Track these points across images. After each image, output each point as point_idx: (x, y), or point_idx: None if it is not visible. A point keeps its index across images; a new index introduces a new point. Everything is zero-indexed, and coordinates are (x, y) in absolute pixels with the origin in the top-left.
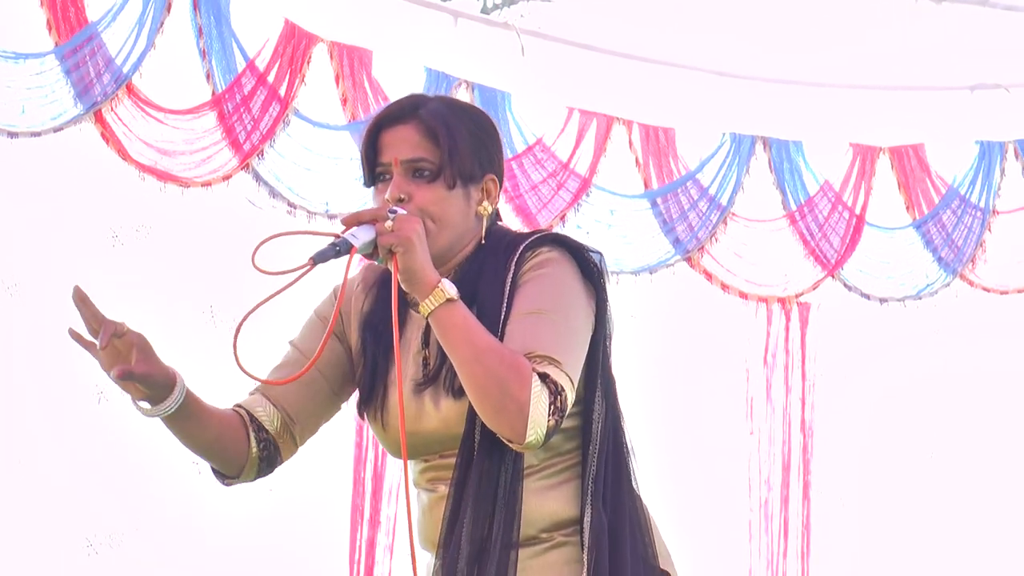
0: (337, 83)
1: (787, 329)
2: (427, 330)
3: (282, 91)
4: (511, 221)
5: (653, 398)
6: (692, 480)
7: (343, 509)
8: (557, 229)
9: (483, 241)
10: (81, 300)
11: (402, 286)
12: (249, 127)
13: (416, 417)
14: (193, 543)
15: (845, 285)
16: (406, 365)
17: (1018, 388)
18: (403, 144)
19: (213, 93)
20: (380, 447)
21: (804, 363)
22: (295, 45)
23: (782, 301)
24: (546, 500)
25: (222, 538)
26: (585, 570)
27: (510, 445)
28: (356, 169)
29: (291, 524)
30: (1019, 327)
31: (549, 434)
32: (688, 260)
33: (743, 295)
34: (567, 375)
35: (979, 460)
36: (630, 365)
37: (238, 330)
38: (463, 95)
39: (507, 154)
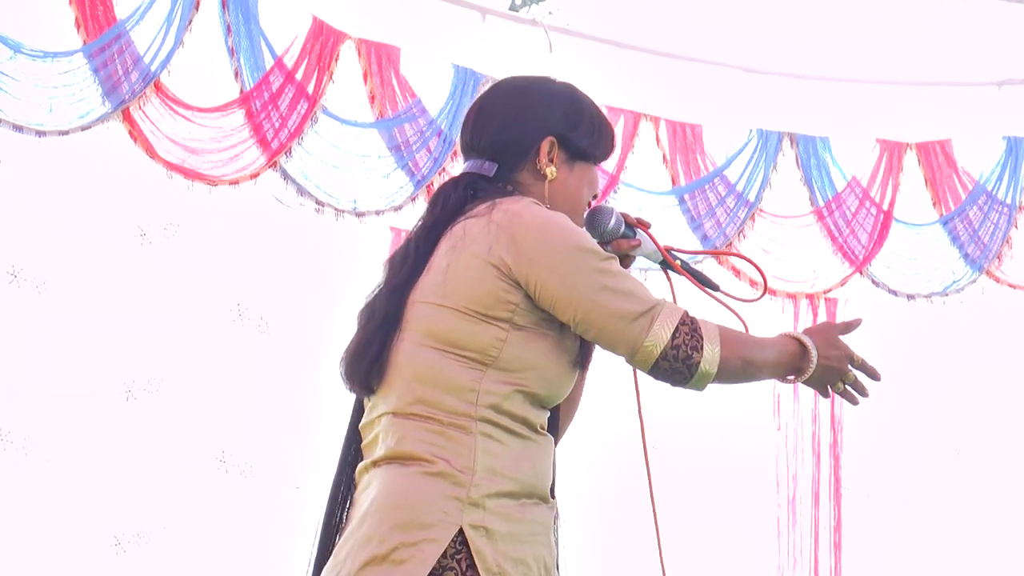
0: (365, 80)
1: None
2: None
3: (310, 89)
4: None
5: (680, 395)
6: (720, 476)
7: None
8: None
9: None
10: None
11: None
12: (277, 125)
13: None
14: (221, 541)
15: (873, 281)
16: None
17: None
18: None
19: (241, 91)
20: None
21: None
22: (323, 42)
23: (810, 297)
24: None
25: (250, 535)
26: None
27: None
28: (383, 166)
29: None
30: None
31: None
32: (716, 257)
33: (771, 291)
34: None
35: (1006, 456)
36: None
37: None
38: None
39: None
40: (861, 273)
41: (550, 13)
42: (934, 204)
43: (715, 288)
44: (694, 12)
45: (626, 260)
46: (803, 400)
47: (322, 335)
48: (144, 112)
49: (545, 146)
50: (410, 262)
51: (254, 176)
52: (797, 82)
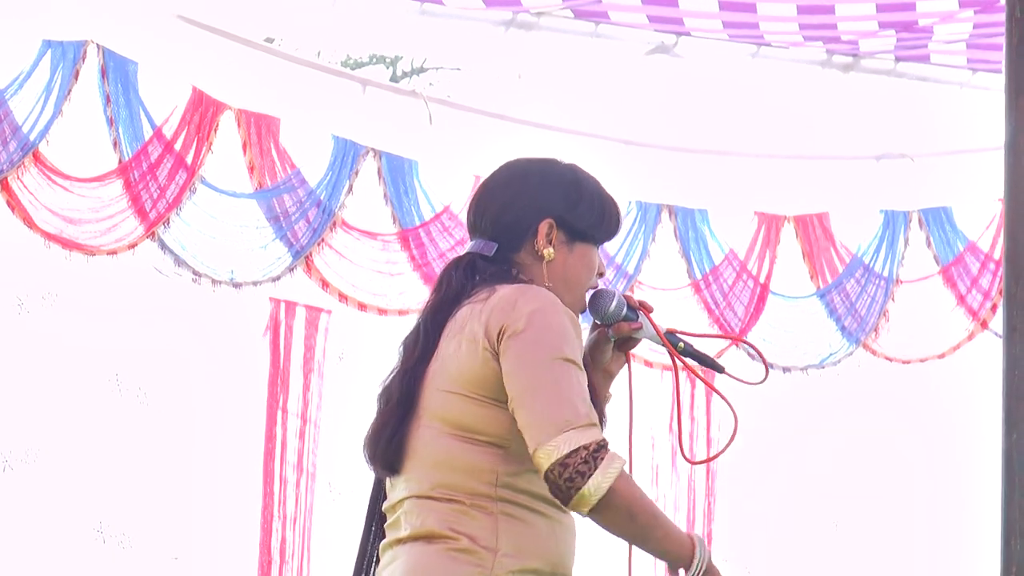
0: (244, 151)
1: (692, 397)
2: None
3: (189, 159)
4: (421, 290)
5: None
6: (598, 552)
7: None
8: None
9: None
10: None
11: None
12: (155, 195)
13: None
14: None
15: (748, 354)
16: None
17: (918, 456)
18: None
19: (120, 161)
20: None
21: (709, 431)
22: (203, 112)
23: (688, 369)
24: None
25: None
26: None
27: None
28: (261, 237)
29: None
30: (919, 396)
31: None
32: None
33: (648, 363)
34: None
35: (882, 527)
36: None
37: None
38: (370, 163)
39: (415, 222)
40: (737, 346)
41: (431, 84)
42: (811, 277)
43: (720, 370)
44: (572, 85)
45: (629, 342)
46: (681, 471)
47: (200, 405)
48: (22, 182)
49: (544, 228)
50: (420, 345)
51: (132, 246)
52: (676, 155)
